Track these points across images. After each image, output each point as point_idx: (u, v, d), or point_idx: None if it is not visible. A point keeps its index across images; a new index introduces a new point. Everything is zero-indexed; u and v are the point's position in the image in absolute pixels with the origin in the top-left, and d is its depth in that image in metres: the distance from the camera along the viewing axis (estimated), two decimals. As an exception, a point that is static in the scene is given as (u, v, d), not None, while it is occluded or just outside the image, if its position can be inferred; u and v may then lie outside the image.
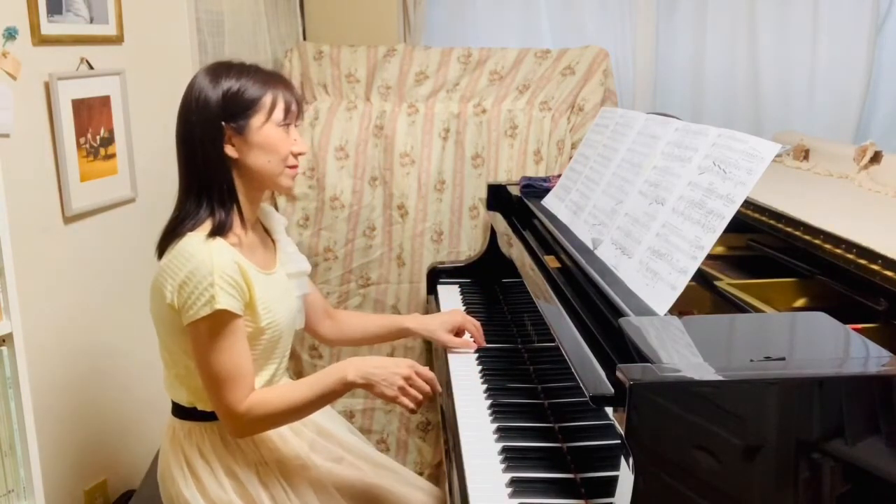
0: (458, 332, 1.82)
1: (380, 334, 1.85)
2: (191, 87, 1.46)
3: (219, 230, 1.43)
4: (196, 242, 1.40)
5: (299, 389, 1.46)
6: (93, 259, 2.09)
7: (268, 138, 1.45)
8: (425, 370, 1.49)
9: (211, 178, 1.44)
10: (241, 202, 1.48)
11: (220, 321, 1.38)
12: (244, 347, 1.42)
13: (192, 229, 1.42)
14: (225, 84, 1.44)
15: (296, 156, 1.50)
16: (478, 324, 1.82)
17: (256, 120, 1.45)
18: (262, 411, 1.42)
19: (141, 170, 2.21)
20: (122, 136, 2.16)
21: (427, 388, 1.48)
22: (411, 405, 1.46)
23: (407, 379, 1.46)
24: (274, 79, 1.49)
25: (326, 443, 1.60)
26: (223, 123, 1.43)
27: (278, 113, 1.46)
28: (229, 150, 1.44)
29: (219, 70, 1.47)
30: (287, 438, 1.55)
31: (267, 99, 1.45)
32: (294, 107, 1.49)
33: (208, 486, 1.47)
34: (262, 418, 1.43)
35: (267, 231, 1.63)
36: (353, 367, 1.46)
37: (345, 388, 1.45)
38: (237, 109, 1.44)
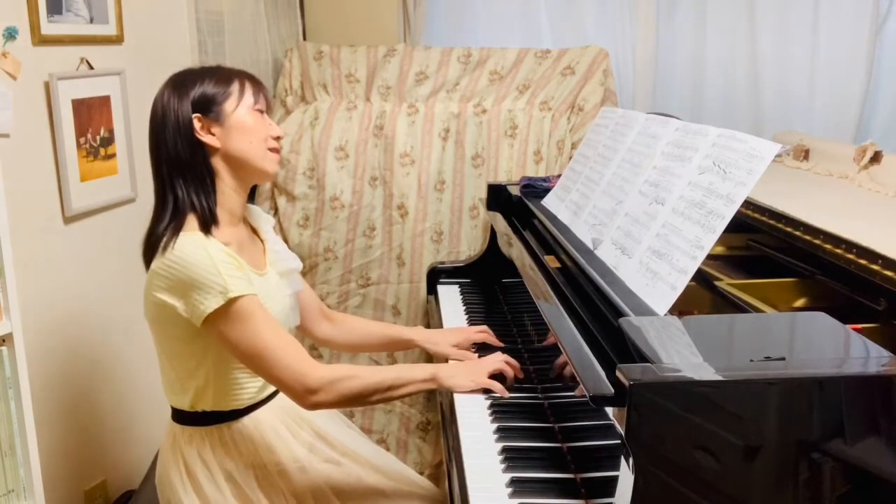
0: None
1: (376, 341, 1.85)
2: (157, 103, 1.47)
3: (206, 221, 1.43)
4: (190, 243, 1.39)
5: (386, 370, 1.51)
6: (93, 259, 2.09)
7: (244, 120, 1.48)
8: (513, 362, 1.61)
9: (185, 166, 1.45)
10: (228, 195, 1.49)
11: (239, 306, 1.38)
12: (275, 320, 1.44)
13: (178, 230, 1.41)
14: (190, 89, 1.46)
15: (276, 139, 1.53)
16: (486, 331, 1.82)
17: (229, 105, 1.47)
18: (346, 379, 1.43)
19: (141, 170, 2.21)
20: (122, 136, 2.16)
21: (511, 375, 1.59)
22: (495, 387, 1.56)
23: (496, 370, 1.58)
24: (238, 72, 1.52)
25: (325, 446, 1.60)
26: (196, 114, 1.45)
27: (248, 97, 1.49)
28: (209, 139, 1.46)
29: (179, 80, 1.49)
30: (286, 441, 1.54)
31: (234, 86, 1.48)
32: (262, 98, 1.52)
33: (208, 492, 1.47)
34: (343, 385, 1.43)
35: (255, 231, 1.62)
36: (445, 367, 1.59)
37: (430, 383, 1.53)
38: (208, 101, 1.46)
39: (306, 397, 1.42)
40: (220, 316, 1.37)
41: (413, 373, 1.52)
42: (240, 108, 1.48)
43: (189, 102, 1.45)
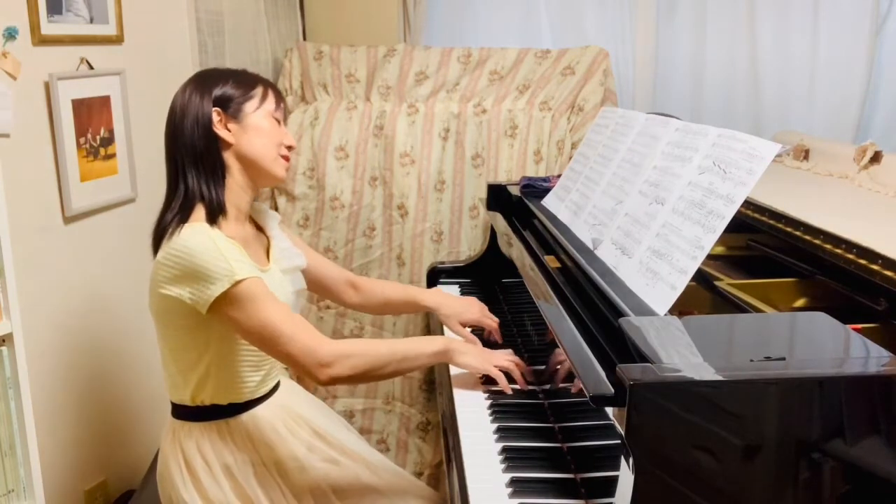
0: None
1: (398, 305, 1.90)
2: (178, 97, 1.50)
3: (214, 211, 1.45)
4: (195, 232, 1.41)
5: (398, 342, 1.55)
6: (93, 259, 2.09)
7: (261, 122, 1.52)
8: (521, 364, 1.61)
9: (199, 157, 1.47)
10: (235, 192, 1.51)
11: (245, 288, 1.39)
12: (280, 301, 1.45)
13: (185, 219, 1.43)
14: (214, 87, 1.50)
15: (287, 148, 1.56)
16: (495, 322, 1.83)
17: (250, 105, 1.51)
18: (357, 352, 1.45)
19: (141, 170, 2.21)
20: (122, 136, 2.16)
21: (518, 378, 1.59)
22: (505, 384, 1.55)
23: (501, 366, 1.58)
24: (263, 79, 1.57)
25: (324, 445, 1.60)
26: (216, 109, 1.48)
27: (270, 103, 1.53)
28: (224, 134, 1.48)
29: (203, 77, 1.53)
30: (285, 439, 1.55)
31: (258, 90, 1.53)
32: (282, 108, 1.56)
33: (207, 486, 1.48)
34: (356, 357, 1.44)
35: (260, 229, 1.64)
36: (458, 343, 1.59)
37: (442, 353, 1.55)
38: (229, 99, 1.49)
39: (321, 370, 1.42)
40: (227, 299, 1.38)
41: (425, 345, 1.55)
42: (259, 110, 1.52)
43: (211, 98, 1.48)
